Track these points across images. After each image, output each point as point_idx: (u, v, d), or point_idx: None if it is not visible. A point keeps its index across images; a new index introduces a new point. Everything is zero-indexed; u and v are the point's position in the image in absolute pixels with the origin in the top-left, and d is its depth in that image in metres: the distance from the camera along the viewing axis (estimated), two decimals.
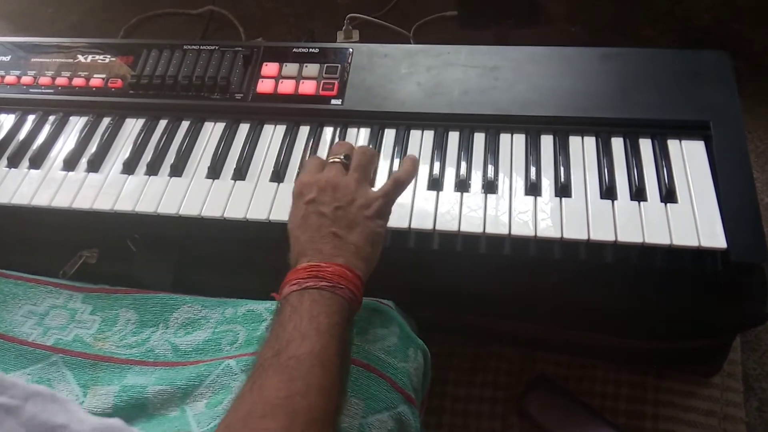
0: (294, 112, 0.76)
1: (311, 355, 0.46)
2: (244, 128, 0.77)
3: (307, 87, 0.77)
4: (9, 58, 0.85)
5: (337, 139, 0.74)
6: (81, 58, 0.84)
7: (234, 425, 0.43)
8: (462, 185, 0.68)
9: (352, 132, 0.75)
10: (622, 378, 0.86)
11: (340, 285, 0.51)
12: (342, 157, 0.60)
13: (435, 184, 0.68)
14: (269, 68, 0.79)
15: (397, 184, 0.60)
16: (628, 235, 0.62)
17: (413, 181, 0.69)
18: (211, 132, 0.77)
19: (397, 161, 0.71)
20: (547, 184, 0.67)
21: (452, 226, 0.65)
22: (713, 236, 0.61)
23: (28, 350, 0.62)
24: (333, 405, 0.46)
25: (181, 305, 0.65)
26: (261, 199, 0.69)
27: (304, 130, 0.76)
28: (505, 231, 0.64)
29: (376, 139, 0.73)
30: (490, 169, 0.69)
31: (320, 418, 0.44)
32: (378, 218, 0.57)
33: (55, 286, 0.68)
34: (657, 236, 0.62)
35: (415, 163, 0.63)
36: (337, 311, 0.50)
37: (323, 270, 0.51)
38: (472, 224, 0.65)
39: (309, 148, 0.74)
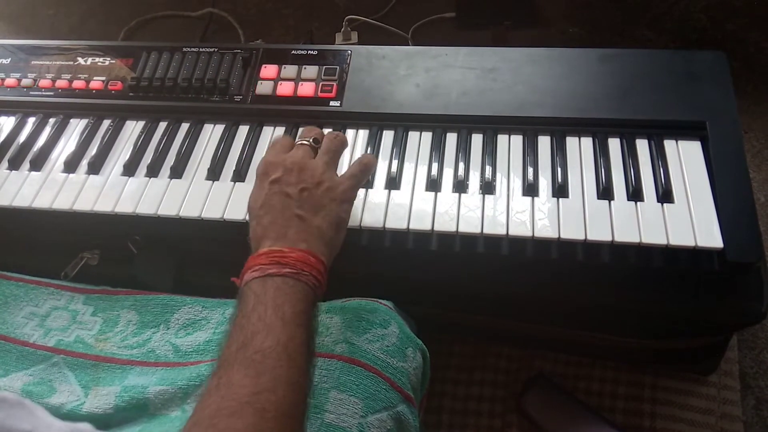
0: (293, 113, 0.77)
1: (277, 348, 0.45)
2: (243, 130, 0.77)
3: (306, 89, 0.77)
4: (9, 60, 0.86)
5: None
6: (81, 60, 0.84)
7: (202, 423, 0.42)
8: (460, 186, 0.68)
9: (350, 133, 0.75)
10: (620, 376, 0.86)
11: (303, 271, 0.50)
12: (311, 140, 0.59)
13: (433, 185, 0.69)
14: (268, 70, 0.79)
15: (364, 167, 0.60)
16: (625, 235, 0.63)
17: (412, 181, 0.69)
18: (211, 134, 0.77)
19: (395, 162, 0.71)
20: (545, 185, 0.68)
21: (450, 227, 0.65)
22: (709, 236, 0.62)
23: (30, 351, 0.63)
24: (302, 396, 0.45)
25: (181, 306, 0.65)
26: None
27: None
28: (502, 231, 0.64)
29: (374, 141, 0.73)
30: (488, 170, 0.69)
31: (289, 412, 0.43)
32: (344, 202, 0.56)
33: (56, 287, 0.68)
34: (654, 236, 0.62)
35: (371, 158, 0.62)
36: (301, 299, 0.49)
37: (286, 256, 0.50)
38: (470, 225, 0.65)
39: None
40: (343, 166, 0.72)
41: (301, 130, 0.66)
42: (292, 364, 0.45)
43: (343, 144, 0.62)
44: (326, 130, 0.75)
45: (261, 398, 0.43)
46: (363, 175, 0.60)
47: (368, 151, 0.73)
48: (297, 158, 0.57)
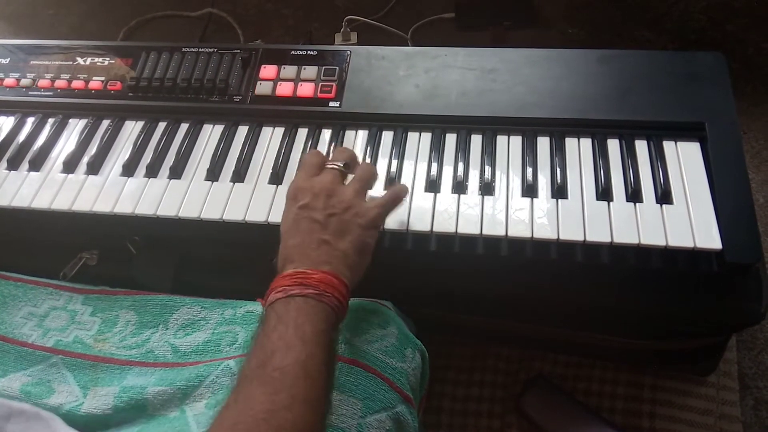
0: (292, 114, 0.77)
1: (296, 366, 0.45)
2: (242, 130, 0.77)
3: (306, 89, 0.77)
4: (8, 60, 0.86)
5: (335, 142, 0.74)
6: (80, 60, 0.84)
7: None
8: (459, 187, 0.68)
9: (350, 134, 0.75)
10: (619, 377, 0.87)
11: (326, 293, 0.50)
12: (341, 164, 0.60)
13: (432, 185, 0.69)
14: (267, 70, 0.79)
15: (395, 197, 0.60)
16: (624, 236, 0.63)
17: (411, 182, 0.69)
18: (210, 134, 0.77)
19: (395, 162, 0.71)
20: (544, 186, 0.68)
21: (449, 228, 0.65)
22: (708, 237, 0.62)
23: (28, 352, 0.63)
24: (319, 416, 0.46)
25: (180, 306, 0.65)
26: (260, 201, 0.70)
27: (302, 132, 0.76)
28: (501, 232, 0.64)
29: (374, 141, 0.73)
30: (487, 170, 0.69)
31: (306, 430, 0.44)
32: (370, 228, 0.57)
33: (55, 287, 0.68)
34: (653, 237, 0.62)
35: (404, 189, 0.63)
36: (322, 319, 0.49)
37: (309, 277, 0.51)
38: (469, 225, 0.65)
39: (307, 151, 0.74)
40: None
41: (333, 150, 0.66)
42: (310, 382, 0.46)
43: (374, 175, 0.62)
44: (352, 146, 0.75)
45: (278, 416, 0.43)
46: (393, 205, 0.61)
47: (367, 152, 0.73)
48: (326, 183, 0.58)
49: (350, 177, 0.61)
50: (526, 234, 0.64)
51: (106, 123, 0.80)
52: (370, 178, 0.61)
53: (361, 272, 0.57)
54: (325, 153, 0.68)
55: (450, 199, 0.68)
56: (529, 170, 0.69)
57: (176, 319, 0.64)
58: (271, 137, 0.76)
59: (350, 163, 0.61)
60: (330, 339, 0.50)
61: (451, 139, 0.73)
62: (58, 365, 0.62)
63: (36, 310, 0.66)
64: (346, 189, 0.58)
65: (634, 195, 0.66)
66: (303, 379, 0.45)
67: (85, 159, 0.76)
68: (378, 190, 0.69)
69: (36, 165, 0.76)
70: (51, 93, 0.82)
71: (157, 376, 0.60)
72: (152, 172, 0.74)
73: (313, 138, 0.75)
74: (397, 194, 0.61)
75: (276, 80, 0.78)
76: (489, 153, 0.71)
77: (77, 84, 0.82)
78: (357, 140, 0.74)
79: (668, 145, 0.69)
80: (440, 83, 0.75)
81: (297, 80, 0.78)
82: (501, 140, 0.72)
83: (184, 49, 0.82)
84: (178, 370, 0.60)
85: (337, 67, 0.78)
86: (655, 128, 0.70)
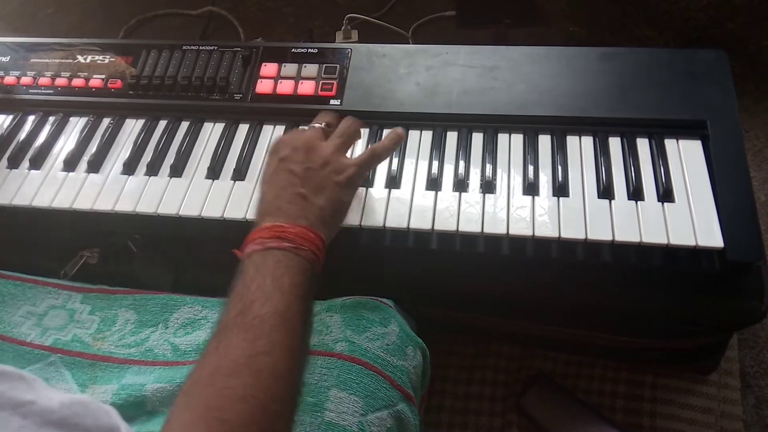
0: (293, 112, 0.77)
1: (275, 315, 0.47)
2: (243, 128, 0.77)
3: (306, 87, 0.77)
4: (8, 58, 0.86)
5: None
6: (80, 58, 0.84)
7: (201, 381, 0.44)
8: (460, 185, 0.68)
9: None
10: (620, 376, 0.87)
11: (303, 247, 0.52)
12: (323, 123, 0.61)
13: (433, 184, 0.69)
14: (268, 68, 0.79)
15: (374, 156, 0.61)
16: (626, 234, 0.62)
17: (412, 180, 0.69)
18: (211, 132, 0.77)
19: (396, 161, 0.71)
20: (545, 184, 0.68)
21: (451, 226, 0.65)
22: (710, 235, 0.61)
23: (26, 350, 0.62)
24: (296, 362, 0.47)
25: (181, 306, 0.65)
26: None
27: None
28: (503, 230, 0.64)
29: (374, 139, 0.73)
30: (489, 168, 0.69)
31: (284, 375, 0.45)
32: (347, 186, 0.58)
33: (54, 286, 0.68)
34: (654, 236, 0.62)
35: (398, 139, 0.64)
36: (299, 272, 0.50)
37: (287, 231, 0.52)
38: (470, 224, 0.65)
39: None
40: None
41: (319, 114, 0.67)
42: (288, 330, 0.47)
43: (358, 132, 0.63)
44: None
45: (258, 360, 0.44)
46: (371, 163, 0.62)
47: None
48: (306, 138, 0.59)
49: None
50: (528, 232, 0.64)
51: (106, 121, 0.79)
52: (351, 134, 0.62)
53: (336, 228, 0.58)
54: None
55: (451, 198, 0.68)
56: (531, 168, 0.69)
57: (176, 318, 0.64)
58: (271, 135, 0.76)
59: (332, 123, 0.62)
60: (306, 290, 0.51)
61: (452, 137, 0.73)
62: (56, 364, 0.62)
63: (35, 309, 0.66)
64: (326, 144, 0.59)
65: (635, 193, 0.65)
66: (282, 326, 0.47)
67: (86, 157, 0.76)
68: (379, 189, 0.69)
69: (37, 163, 0.76)
70: (51, 91, 0.82)
71: (156, 375, 0.60)
72: (153, 170, 0.74)
73: None
74: (374, 152, 0.62)
75: (277, 78, 0.78)
76: (490, 151, 0.71)
77: (78, 82, 0.82)
78: (363, 138, 0.74)
79: (670, 143, 0.69)
80: (441, 81, 0.75)
81: (298, 78, 0.78)
82: (502, 138, 0.72)
83: (184, 47, 0.82)
84: (178, 369, 0.60)
85: (338, 65, 0.78)
86: (657, 126, 0.70)
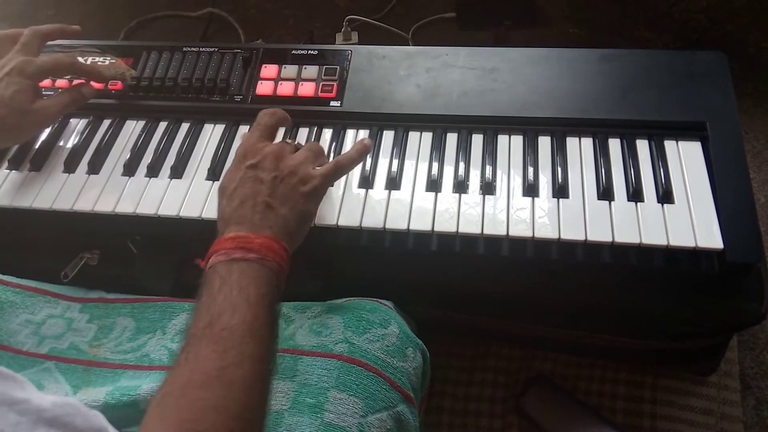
0: (293, 113, 0.76)
1: (243, 326, 0.47)
2: (243, 130, 0.77)
3: (306, 89, 0.77)
4: None
5: (336, 141, 0.74)
6: (81, 60, 0.84)
7: (173, 393, 0.44)
8: (460, 186, 0.68)
9: (350, 133, 0.75)
10: (620, 377, 0.87)
11: (268, 258, 0.52)
12: (296, 142, 0.63)
13: (433, 185, 0.69)
14: (268, 70, 0.79)
15: (338, 168, 0.62)
16: (625, 236, 0.63)
17: (412, 181, 0.69)
18: (211, 134, 0.77)
19: (395, 162, 0.71)
20: (545, 185, 0.68)
21: (451, 227, 0.65)
22: (710, 237, 0.62)
23: (22, 358, 0.62)
24: (265, 371, 0.48)
25: (180, 312, 0.65)
26: None
27: (303, 132, 0.76)
28: (503, 232, 0.64)
29: (374, 141, 0.73)
30: (488, 170, 0.69)
31: (255, 385, 0.46)
32: (312, 196, 0.59)
33: (53, 296, 0.67)
34: (654, 237, 0.62)
35: (364, 150, 0.65)
36: (265, 282, 0.51)
37: (252, 242, 0.52)
38: (470, 225, 0.65)
39: None
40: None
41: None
42: (256, 341, 0.48)
43: (322, 151, 0.64)
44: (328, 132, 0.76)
45: (228, 372, 0.45)
46: (336, 175, 0.63)
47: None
48: (276, 148, 0.60)
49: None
50: (527, 234, 0.64)
51: (106, 122, 0.79)
52: (318, 150, 0.63)
53: (300, 239, 0.58)
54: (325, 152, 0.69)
55: (451, 199, 0.68)
56: (530, 170, 0.69)
57: (175, 324, 0.64)
58: None
59: (298, 146, 0.63)
60: (272, 300, 0.51)
61: (452, 139, 0.73)
62: (50, 369, 0.61)
63: (33, 318, 0.65)
64: (295, 155, 0.60)
65: (635, 194, 0.65)
66: (250, 337, 0.47)
67: (86, 158, 0.76)
68: (379, 190, 0.69)
69: (37, 165, 0.76)
70: (52, 93, 0.81)
71: (151, 378, 0.59)
72: (153, 171, 0.74)
73: (314, 138, 0.75)
74: (339, 163, 0.62)
75: (277, 80, 0.78)
76: (490, 152, 0.71)
77: (78, 84, 0.81)
78: (358, 140, 0.74)
79: (669, 145, 0.69)
80: (441, 83, 0.75)
81: (298, 80, 0.78)
82: (502, 140, 0.72)
83: (185, 49, 0.82)
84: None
85: (338, 67, 0.78)
86: (657, 128, 0.70)
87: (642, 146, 0.69)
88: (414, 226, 0.66)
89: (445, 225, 0.66)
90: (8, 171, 0.76)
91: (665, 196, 0.65)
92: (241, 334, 0.47)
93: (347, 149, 0.73)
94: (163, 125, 0.78)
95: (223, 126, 0.77)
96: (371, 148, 0.68)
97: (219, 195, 0.58)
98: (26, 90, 0.66)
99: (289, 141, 0.63)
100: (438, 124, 0.74)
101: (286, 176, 0.58)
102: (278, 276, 0.53)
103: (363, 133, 0.75)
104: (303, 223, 0.58)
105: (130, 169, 0.74)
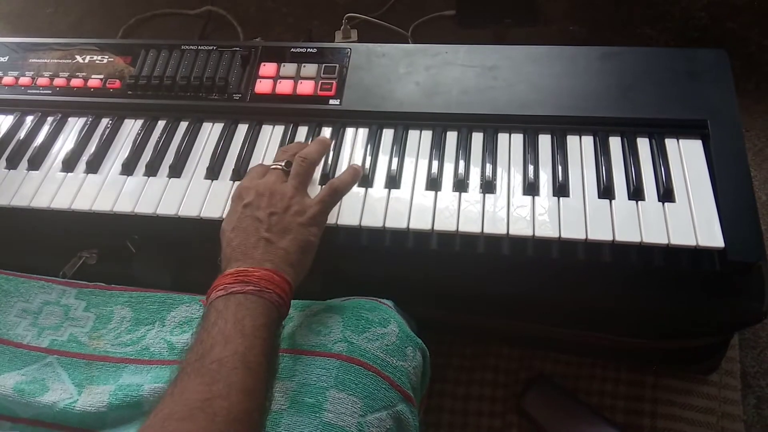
0: (292, 112, 0.77)
1: (234, 357, 0.46)
2: (242, 129, 0.77)
3: (306, 87, 0.77)
4: (7, 58, 0.85)
5: (335, 140, 0.74)
6: (79, 58, 0.84)
7: (154, 426, 0.43)
8: (460, 185, 0.68)
9: (350, 132, 0.75)
10: (621, 376, 0.86)
11: (267, 289, 0.51)
12: (283, 164, 0.62)
13: (433, 184, 0.69)
14: (267, 68, 0.79)
15: (333, 192, 0.62)
16: (626, 234, 0.62)
17: (412, 180, 0.69)
18: (210, 132, 0.77)
19: (395, 160, 0.71)
20: (545, 184, 0.67)
21: (450, 226, 0.65)
22: (711, 236, 0.61)
23: (23, 352, 0.62)
24: (256, 405, 0.46)
25: (179, 305, 0.65)
26: None
27: (302, 131, 0.76)
28: (503, 230, 0.64)
29: (374, 139, 0.73)
30: (489, 168, 0.69)
31: (240, 417, 0.44)
32: (312, 225, 0.59)
33: (47, 281, 0.67)
34: (655, 236, 0.62)
35: (356, 174, 0.65)
36: (262, 313, 0.50)
37: (251, 275, 0.52)
38: (470, 224, 0.65)
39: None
40: (342, 166, 0.71)
41: (276, 152, 0.68)
42: (248, 372, 0.47)
43: (312, 164, 0.64)
44: (327, 130, 0.75)
45: (213, 404, 0.44)
46: (333, 200, 0.62)
47: (368, 150, 0.72)
48: (268, 183, 0.60)
49: None
50: (528, 232, 0.64)
51: (105, 121, 0.79)
52: (306, 171, 0.63)
53: (306, 269, 0.58)
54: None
55: (451, 198, 0.67)
56: (531, 168, 0.68)
57: (173, 316, 0.64)
58: (270, 135, 0.76)
59: (291, 162, 0.63)
60: (271, 332, 0.50)
61: (451, 137, 0.73)
62: (53, 365, 0.61)
63: (29, 306, 0.65)
64: (286, 187, 0.60)
65: (635, 193, 0.65)
66: (241, 370, 0.46)
67: (85, 158, 0.75)
68: (379, 189, 0.69)
69: (35, 164, 0.76)
70: (50, 91, 0.81)
71: (153, 374, 0.59)
72: (152, 170, 0.73)
73: (313, 136, 0.75)
74: (334, 189, 0.62)
75: (276, 78, 0.78)
76: (490, 151, 0.71)
77: (76, 82, 0.81)
78: (357, 138, 0.74)
79: (670, 143, 0.69)
80: (441, 81, 0.75)
81: (297, 78, 0.78)
82: (502, 138, 0.72)
83: (183, 47, 0.82)
84: (174, 368, 0.60)
85: (337, 65, 0.78)
86: (657, 126, 0.70)
87: (643, 144, 0.69)
88: (414, 225, 0.66)
89: (445, 224, 0.65)
90: (6, 170, 0.76)
91: (666, 194, 0.65)
92: (230, 365, 0.46)
93: (346, 148, 0.73)
94: (161, 124, 0.78)
95: (222, 124, 0.77)
96: (361, 173, 0.68)
97: (221, 237, 0.59)
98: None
99: (279, 166, 0.62)
100: (438, 123, 0.73)
101: (282, 210, 0.58)
102: (279, 309, 0.52)
103: (362, 132, 0.74)
104: (305, 253, 0.58)
105: (128, 168, 0.74)
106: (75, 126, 0.80)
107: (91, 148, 0.76)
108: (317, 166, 0.66)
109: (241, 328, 0.48)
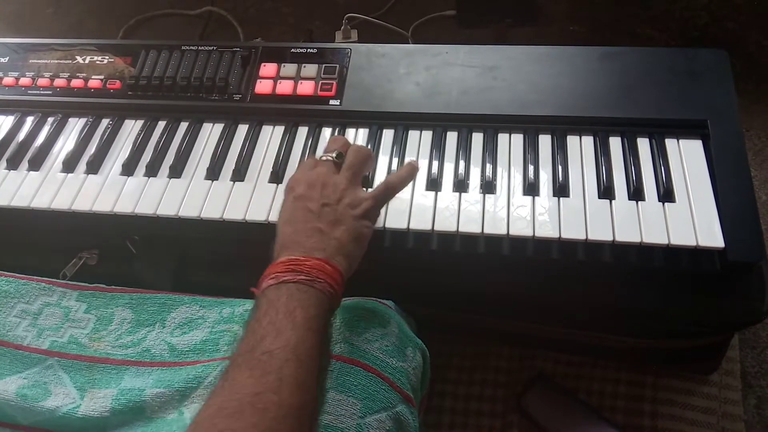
0: (292, 112, 0.77)
1: (285, 349, 0.45)
2: (242, 129, 0.77)
3: (306, 87, 0.77)
4: (7, 59, 0.85)
5: None
6: (79, 59, 0.84)
7: (202, 423, 0.42)
8: (460, 185, 0.68)
9: (350, 132, 0.75)
10: (621, 376, 0.86)
11: (318, 279, 0.51)
12: (334, 155, 0.61)
13: (433, 184, 0.69)
14: (267, 69, 0.79)
15: (389, 189, 0.61)
16: (626, 234, 0.62)
17: (412, 181, 0.69)
18: (210, 133, 0.77)
19: (395, 161, 0.71)
20: (545, 184, 0.67)
21: (451, 227, 0.65)
22: (711, 236, 0.61)
23: (24, 354, 0.62)
24: (309, 399, 0.45)
25: (179, 305, 0.65)
26: (260, 200, 0.70)
27: (302, 131, 0.76)
28: (503, 230, 0.64)
29: (374, 140, 0.73)
30: (489, 168, 0.69)
31: (293, 413, 0.43)
32: (364, 218, 0.58)
33: (48, 283, 0.67)
34: (655, 236, 0.62)
35: (412, 171, 0.64)
36: (314, 304, 0.49)
37: (302, 264, 0.51)
38: (470, 224, 0.65)
39: (308, 149, 0.74)
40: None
41: (328, 141, 0.66)
42: (299, 365, 0.45)
43: (368, 159, 0.63)
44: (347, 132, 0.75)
45: (263, 398, 0.43)
46: (386, 196, 0.61)
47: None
48: (320, 175, 0.59)
49: None
50: (528, 232, 0.64)
51: (105, 122, 0.79)
52: (361, 164, 0.61)
53: (357, 261, 0.57)
54: None
55: (451, 198, 0.67)
56: (531, 168, 0.68)
57: (174, 317, 0.64)
58: (271, 136, 0.76)
59: (343, 153, 0.62)
60: (322, 324, 0.50)
61: (452, 137, 0.73)
62: (54, 367, 0.61)
63: (29, 308, 0.65)
64: (339, 179, 0.59)
65: (636, 193, 0.65)
66: (293, 362, 0.45)
67: (85, 158, 0.75)
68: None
69: (35, 164, 0.76)
70: (50, 92, 0.81)
71: (154, 377, 0.59)
72: (152, 171, 0.73)
73: (314, 136, 0.75)
74: (390, 185, 0.61)
75: (276, 78, 0.78)
76: (490, 151, 0.71)
77: (76, 83, 0.81)
78: (357, 138, 0.74)
79: (670, 143, 0.69)
80: (441, 81, 0.75)
81: (297, 78, 0.78)
82: (502, 138, 0.72)
83: (183, 48, 0.82)
84: (176, 370, 0.60)
85: (338, 65, 0.78)
86: (657, 126, 0.70)
87: (643, 144, 0.69)
88: (414, 225, 0.66)
89: (445, 223, 0.65)
90: (7, 170, 0.76)
91: (666, 194, 0.65)
92: (282, 357, 0.45)
93: None
94: (161, 124, 0.78)
95: (222, 125, 0.77)
96: (418, 169, 0.66)
97: (277, 225, 0.58)
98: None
99: (330, 157, 0.61)
100: (438, 123, 0.73)
101: (335, 202, 0.57)
102: (330, 299, 0.51)
103: (363, 132, 0.74)
104: (358, 245, 0.57)
105: (128, 169, 0.74)
106: (75, 126, 0.80)
107: (92, 148, 0.76)
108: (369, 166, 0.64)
109: (292, 320, 0.47)
